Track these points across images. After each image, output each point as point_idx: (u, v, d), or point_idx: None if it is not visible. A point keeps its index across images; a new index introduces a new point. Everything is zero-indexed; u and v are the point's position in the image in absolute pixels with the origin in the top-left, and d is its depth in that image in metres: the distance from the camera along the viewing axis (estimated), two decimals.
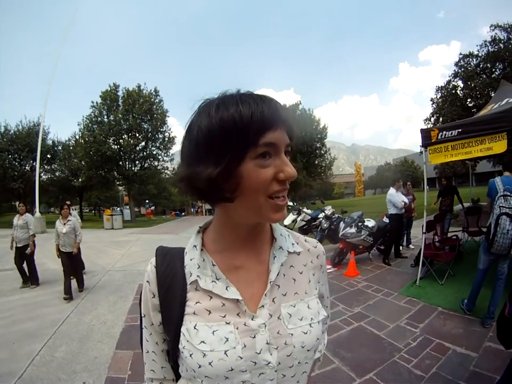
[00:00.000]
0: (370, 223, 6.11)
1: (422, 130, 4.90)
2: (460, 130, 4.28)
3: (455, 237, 5.36)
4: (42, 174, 23.57)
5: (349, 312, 3.72)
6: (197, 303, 0.57)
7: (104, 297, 4.80)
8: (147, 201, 36.50)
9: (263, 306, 0.57)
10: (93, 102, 23.74)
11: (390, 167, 61.52)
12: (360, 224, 5.85)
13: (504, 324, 1.78)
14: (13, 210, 26.97)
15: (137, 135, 24.36)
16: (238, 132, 0.48)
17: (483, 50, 13.43)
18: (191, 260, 0.59)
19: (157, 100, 25.22)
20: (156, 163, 26.15)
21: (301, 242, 0.69)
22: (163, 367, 0.63)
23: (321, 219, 7.40)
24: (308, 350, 0.58)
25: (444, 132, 4.51)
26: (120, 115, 23.12)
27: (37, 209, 16.43)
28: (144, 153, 25.23)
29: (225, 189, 0.50)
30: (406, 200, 6.09)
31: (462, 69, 13.91)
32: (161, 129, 25.38)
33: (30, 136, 21.81)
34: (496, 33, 13.17)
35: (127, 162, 24.64)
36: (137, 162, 25.24)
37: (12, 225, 5.44)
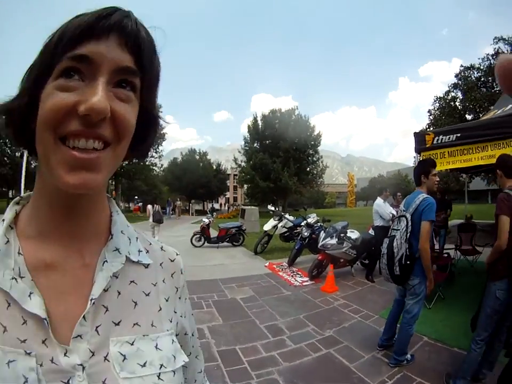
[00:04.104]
0: (353, 234, 5.55)
1: (416, 134, 4.49)
2: (458, 135, 3.85)
3: (446, 255, 4.87)
4: (32, 161, 23.12)
5: (319, 336, 3.19)
6: None
7: None
8: (136, 197, 36.15)
9: (80, 336, 0.35)
10: None
11: (382, 179, 61.00)
12: (342, 235, 5.28)
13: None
14: (2, 197, 25.92)
15: None
16: (50, 44, 0.35)
17: (485, 63, 13.23)
18: None
19: None
20: None
21: (153, 250, 0.48)
22: None
23: (302, 227, 6.87)
24: None
25: (441, 137, 4.09)
26: None
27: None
28: None
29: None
30: (394, 212, 5.56)
31: (462, 80, 13.67)
32: None
33: None
34: (499, 46, 13.02)
35: None
36: None
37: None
